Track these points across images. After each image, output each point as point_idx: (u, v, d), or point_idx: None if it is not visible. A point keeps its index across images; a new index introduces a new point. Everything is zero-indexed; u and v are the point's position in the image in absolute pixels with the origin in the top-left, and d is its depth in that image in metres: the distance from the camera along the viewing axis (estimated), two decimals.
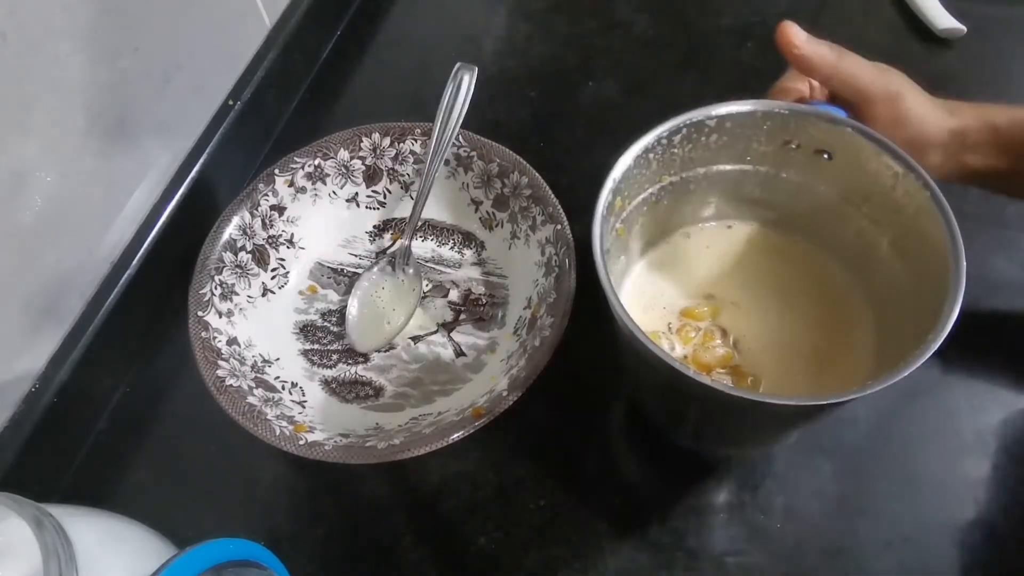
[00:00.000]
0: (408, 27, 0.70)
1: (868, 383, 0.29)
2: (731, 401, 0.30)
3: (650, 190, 0.40)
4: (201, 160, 0.54)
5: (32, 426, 0.44)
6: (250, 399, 0.44)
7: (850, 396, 0.29)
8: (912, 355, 0.30)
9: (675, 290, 0.42)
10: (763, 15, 0.66)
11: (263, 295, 0.51)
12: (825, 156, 0.38)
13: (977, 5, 0.64)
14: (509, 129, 0.61)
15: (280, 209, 0.52)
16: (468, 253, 0.53)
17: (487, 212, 0.53)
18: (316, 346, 0.50)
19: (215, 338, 0.46)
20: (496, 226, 0.53)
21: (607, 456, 0.46)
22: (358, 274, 0.53)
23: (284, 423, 0.43)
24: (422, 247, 0.54)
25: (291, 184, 0.52)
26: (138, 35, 0.48)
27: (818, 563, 0.41)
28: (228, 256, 0.50)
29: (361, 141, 0.53)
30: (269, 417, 0.43)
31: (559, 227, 0.48)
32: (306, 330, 0.51)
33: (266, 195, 0.52)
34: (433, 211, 0.54)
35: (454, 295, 0.52)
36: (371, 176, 0.54)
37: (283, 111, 0.64)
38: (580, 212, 0.44)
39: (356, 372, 0.49)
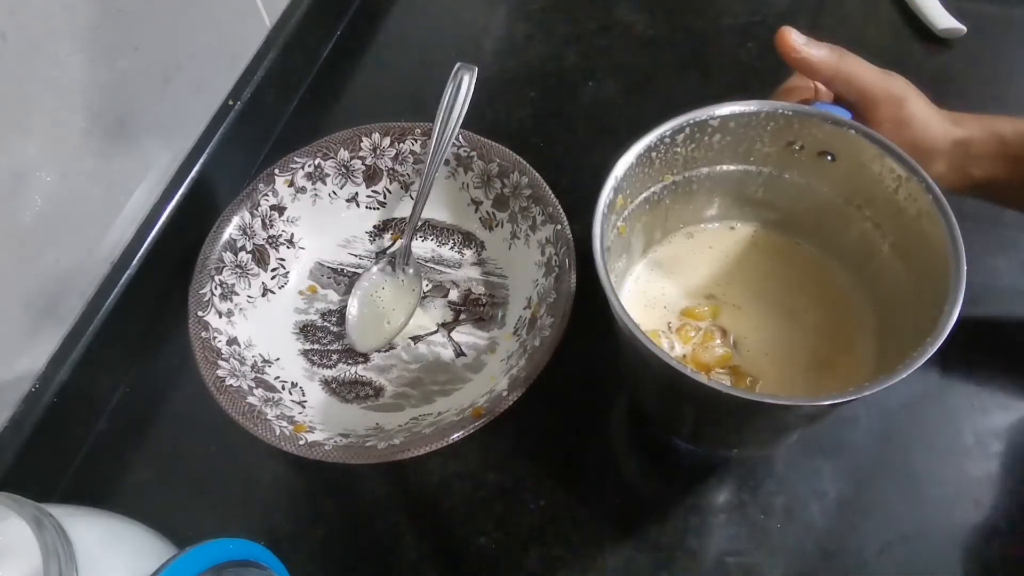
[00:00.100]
0: (408, 27, 0.70)
1: (867, 384, 0.29)
2: (729, 401, 0.30)
3: (652, 189, 0.40)
4: (201, 160, 0.54)
5: (32, 426, 0.44)
6: (250, 399, 0.44)
7: (849, 397, 0.29)
8: (912, 357, 0.30)
9: (676, 290, 0.42)
10: (763, 15, 0.66)
11: (263, 295, 0.51)
12: (828, 158, 0.38)
13: (977, 5, 0.64)
14: (509, 129, 0.61)
15: (280, 209, 0.52)
16: (468, 253, 0.53)
17: (487, 212, 0.53)
18: (316, 346, 0.50)
19: (215, 338, 0.46)
20: (496, 226, 0.53)
21: (607, 456, 0.46)
22: (358, 274, 0.53)
23: (284, 423, 0.43)
24: (422, 247, 0.54)
25: (291, 184, 0.52)
26: (138, 35, 0.48)
27: (818, 563, 0.41)
28: (228, 256, 0.50)
29: (361, 141, 0.53)
30: (269, 417, 0.43)
31: (559, 227, 0.48)
32: (306, 330, 0.51)
33: (266, 195, 0.52)
34: (433, 211, 0.54)
35: (454, 295, 0.52)
36: (371, 176, 0.54)
37: (283, 111, 0.64)
38: (580, 212, 0.44)
39: (356, 372, 0.49)
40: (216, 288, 0.48)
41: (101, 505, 0.35)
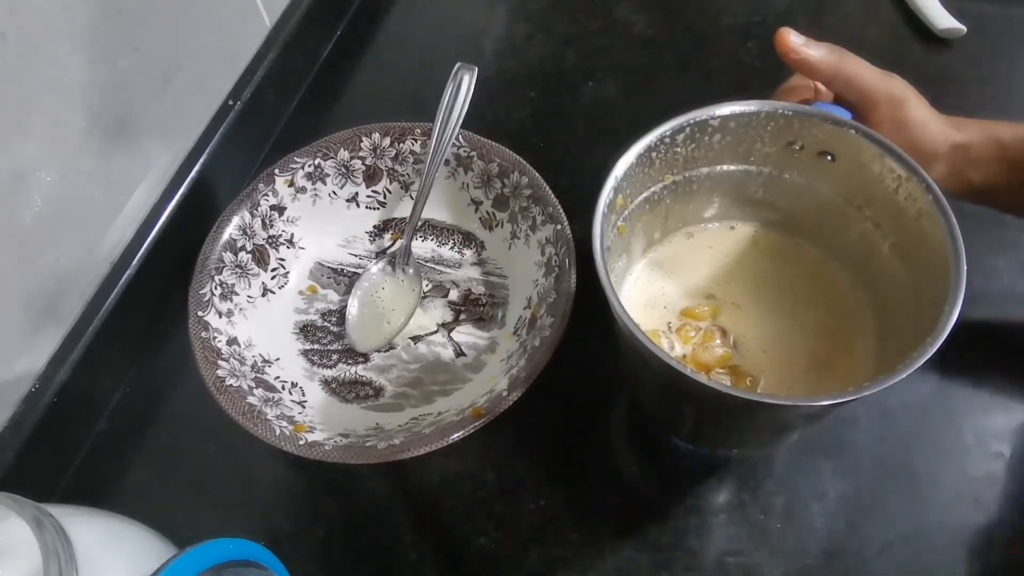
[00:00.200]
0: (408, 27, 0.70)
1: (867, 384, 0.29)
2: (728, 401, 0.30)
3: (652, 189, 0.40)
4: (201, 160, 0.54)
5: (32, 426, 0.44)
6: (250, 399, 0.44)
7: (849, 397, 0.29)
8: (912, 357, 0.30)
9: (676, 290, 0.42)
10: (763, 15, 0.67)
11: (263, 295, 0.51)
12: (829, 158, 0.38)
13: (977, 5, 0.64)
14: (509, 129, 0.61)
15: (280, 209, 0.52)
16: (468, 253, 0.53)
17: (487, 212, 0.53)
18: (316, 346, 0.50)
19: (215, 338, 0.46)
20: (496, 226, 0.53)
21: (607, 456, 0.46)
22: (358, 274, 0.53)
23: (284, 423, 0.43)
24: (422, 247, 0.54)
25: (291, 184, 0.52)
26: (138, 35, 0.48)
27: (818, 563, 0.41)
28: (228, 256, 0.50)
29: (361, 141, 0.53)
30: (269, 417, 0.43)
31: (559, 227, 0.48)
32: (306, 330, 0.51)
33: (266, 195, 0.52)
34: (433, 211, 0.54)
35: (454, 295, 0.52)
36: (371, 176, 0.54)
37: (283, 111, 0.64)
38: (580, 212, 0.44)
39: (356, 372, 0.49)
40: (216, 288, 0.48)
41: (101, 505, 0.35)
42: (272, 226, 0.52)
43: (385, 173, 0.54)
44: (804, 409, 0.33)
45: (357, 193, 0.54)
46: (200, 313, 0.47)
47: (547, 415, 0.46)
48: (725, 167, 0.40)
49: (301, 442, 0.42)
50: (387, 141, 0.53)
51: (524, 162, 0.51)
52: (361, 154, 0.54)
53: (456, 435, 0.41)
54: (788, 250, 0.42)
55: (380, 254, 0.54)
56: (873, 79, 0.40)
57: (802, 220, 0.42)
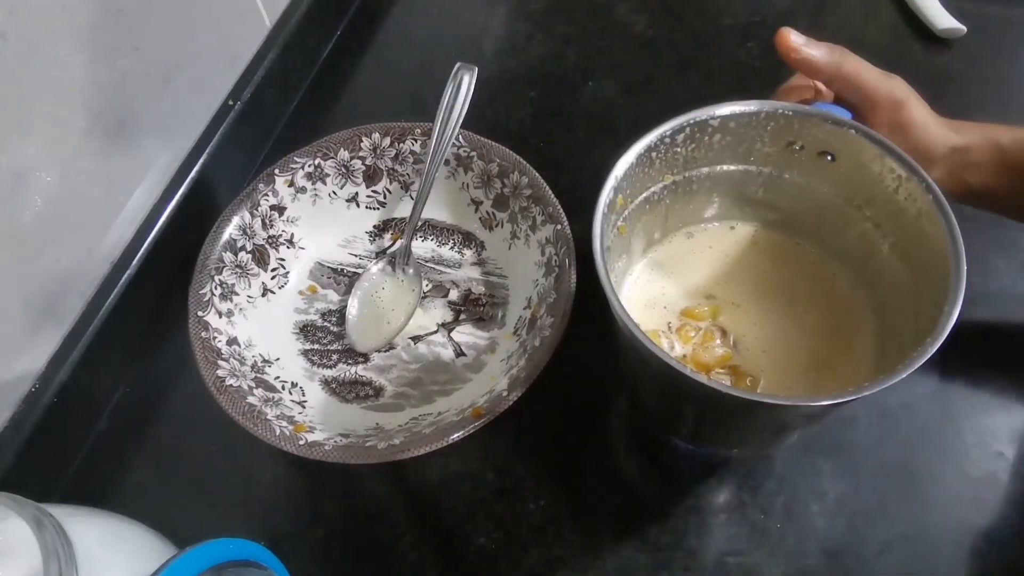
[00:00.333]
0: (408, 27, 0.70)
1: (867, 384, 0.29)
2: (728, 401, 0.30)
3: (652, 189, 0.40)
4: (201, 160, 0.54)
5: (32, 426, 0.44)
6: (250, 399, 0.44)
7: (848, 397, 0.29)
8: (911, 357, 0.30)
9: (676, 290, 0.42)
10: (763, 15, 0.67)
11: (263, 295, 0.51)
12: (829, 158, 0.38)
13: (977, 5, 0.64)
14: (509, 129, 0.61)
15: (280, 209, 0.52)
16: (468, 253, 0.53)
17: (487, 212, 0.53)
18: (316, 346, 0.50)
19: (215, 338, 0.46)
20: (496, 226, 0.53)
21: (607, 456, 0.46)
22: (358, 274, 0.53)
23: (284, 423, 0.43)
24: (422, 247, 0.54)
25: (291, 184, 0.52)
26: (138, 35, 0.48)
27: (818, 563, 0.41)
28: (228, 256, 0.50)
29: (361, 141, 0.53)
30: (269, 417, 0.43)
31: (559, 227, 0.48)
32: (306, 330, 0.51)
33: (266, 195, 0.52)
34: (433, 211, 0.54)
35: (454, 295, 0.52)
36: (371, 176, 0.54)
37: (283, 111, 0.64)
38: (580, 212, 0.44)
39: (356, 372, 0.49)
40: (216, 288, 0.48)
41: (101, 505, 0.35)
42: (272, 226, 0.52)
43: (385, 173, 0.54)
44: (804, 409, 0.33)
45: (357, 193, 0.54)
46: (200, 313, 0.47)
47: (547, 415, 0.46)
48: (725, 167, 0.40)
49: (301, 442, 0.42)
50: (387, 141, 0.53)
51: (524, 162, 0.51)
52: (361, 154, 0.54)
53: (456, 435, 0.41)
54: (788, 250, 0.42)
55: (380, 254, 0.54)
56: (874, 80, 0.40)
57: (802, 220, 0.42)
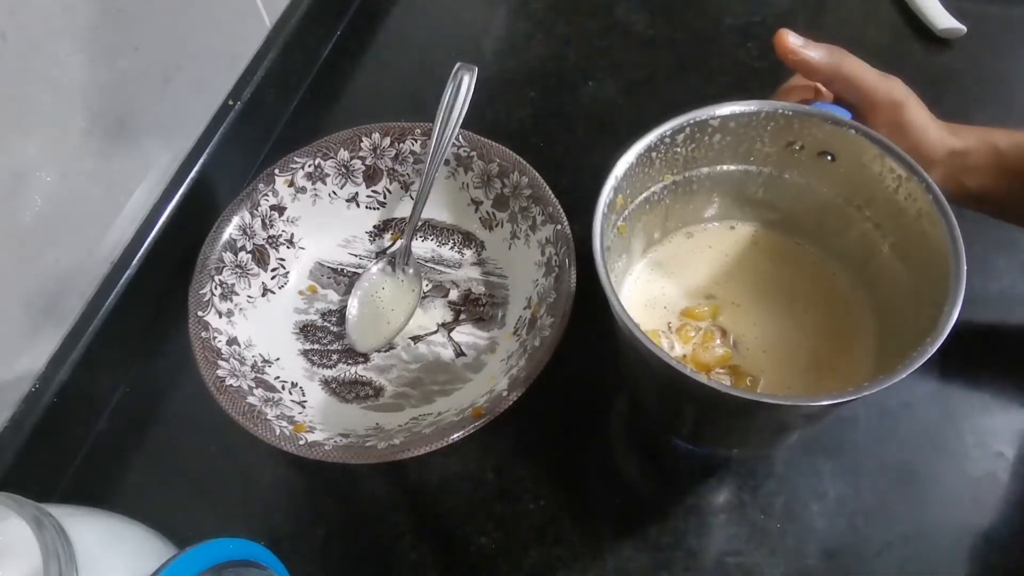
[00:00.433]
0: (408, 27, 0.70)
1: (867, 384, 0.29)
2: (728, 401, 0.30)
3: (653, 189, 0.40)
4: (201, 160, 0.54)
5: (32, 426, 0.44)
6: (250, 399, 0.44)
7: (848, 397, 0.29)
8: (911, 357, 0.30)
9: (676, 290, 0.42)
10: (763, 15, 0.66)
11: (263, 295, 0.51)
12: (829, 158, 0.38)
13: (977, 5, 0.64)
14: (509, 129, 0.61)
15: (280, 209, 0.52)
16: (468, 253, 0.53)
17: (487, 212, 0.53)
18: (316, 346, 0.50)
19: (215, 338, 0.46)
20: (496, 226, 0.53)
21: (607, 456, 0.46)
22: (358, 274, 0.53)
23: (284, 423, 0.43)
24: (422, 247, 0.54)
25: (291, 184, 0.52)
26: (138, 35, 0.48)
27: (818, 563, 0.41)
28: (228, 256, 0.50)
29: (361, 141, 0.53)
30: (269, 417, 0.43)
31: (559, 227, 0.48)
32: (306, 330, 0.51)
33: (266, 195, 0.52)
34: (433, 211, 0.54)
35: (454, 295, 0.52)
36: (371, 176, 0.54)
37: (283, 111, 0.64)
38: (580, 212, 0.44)
39: (356, 372, 0.49)
40: (216, 288, 0.48)
41: (101, 505, 0.35)
42: (272, 226, 0.52)
43: (385, 173, 0.54)
44: (804, 409, 0.33)
45: (357, 193, 0.54)
46: (200, 313, 0.47)
47: (547, 415, 0.46)
48: (725, 167, 0.40)
49: (301, 442, 0.42)
50: (387, 141, 0.53)
51: (524, 162, 0.51)
52: (361, 154, 0.54)
53: (456, 435, 0.41)
54: (788, 250, 0.42)
55: (380, 254, 0.54)
56: (872, 81, 0.40)
57: (802, 220, 0.42)
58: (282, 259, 0.52)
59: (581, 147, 0.59)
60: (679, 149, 0.38)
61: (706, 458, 0.45)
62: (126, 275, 0.49)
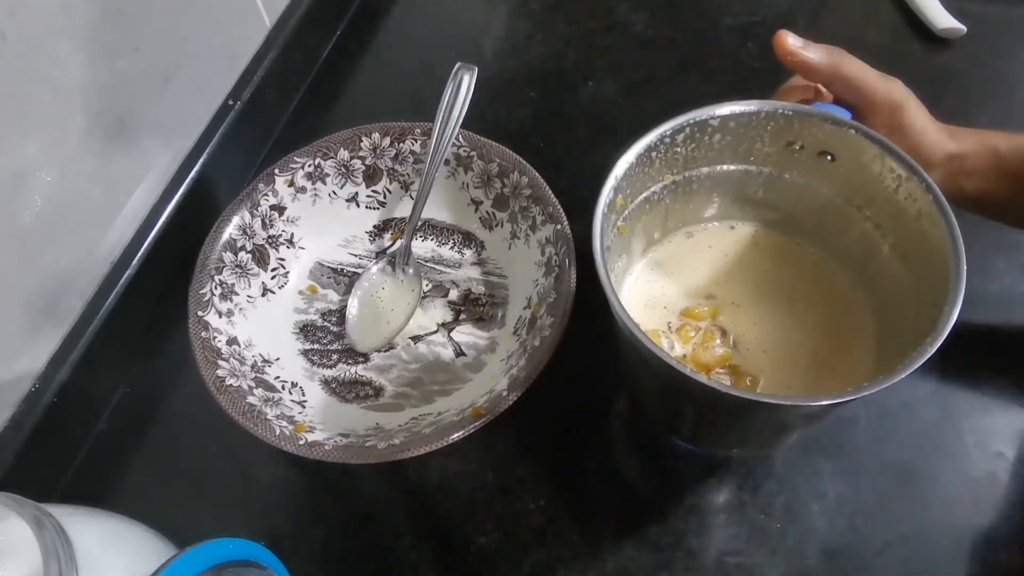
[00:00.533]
0: (408, 27, 0.70)
1: (866, 384, 0.29)
2: (728, 400, 0.30)
3: (653, 188, 0.40)
4: (201, 160, 0.54)
5: (32, 426, 0.44)
6: (250, 399, 0.44)
7: (847, 397, 0.29)
8: (911, 357, 0.30)
9: (676, 290, 0.42)
10: (763, 15, 0.66)
11: (263, 295, 0.51)
12: (829, 158, 0.38)
13: (977, 5, 0.64)
14: (509, 129, 0.61)
15: (280, 209, 0.52)
16: (468, 253, 0.53)
17: (487, 212, 0.53)
18: (316, 346, 0.50)
19: (215, 338, 0.46)
20: (496, 226, 0.53)
21: (607, 456, 0.46)
22: (358, 274, 0.53)
23: (284, 423, 0.43)
24: (422, 247, 0.54)
25: (291, 184, 0.52)
26: (138, 35, 0.48)
27: (818, 563, 0.41)
28: (228, 256, 0.50)
29: (361, 141, 0.53)
30: (269, 417, 0.43)
31: (559, 227, 0.48)
32: (306, 330, 0.51)
33: (266, 195, 0.52)
34: (433, 211, 0.54)
35: (454, 295, 0.52)
36: (371, 176, 0.54)
37: (283, 111, 0.64)
38: (580, 212, 0.44)
39: (356, 372, 0.49)
40: (216, 288, 0.48)
41: (101, 505, 0.35)
42: (272, 226, 0.52)
43: (385, 173, 0.54)
44: (803, 409, 0.33)
45: (357, 193, 0.54)
46: (200, 313, 0.47)
47: (547, 415, 0.46)
48: (725, 167, 0.40)
49: (301, 442, 0.42)
50: (387, 141, 0.53)
51: (524, 162, 0.51)
52: (361, 154, 0.54)
53: (456, 435, 0.41)
54: (788, 250, 0.42)
55: (380, 254, 0.54)
56: (873, 82, 0.40)
57: (802, 220, 0.42)
58: (282, 259, 0.52)
59: (581, 147, 0.59)
60: (679, 149, 0.38)
61: (706, 458, 0.45)
62: (126, 275, 0.49)
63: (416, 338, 0.50)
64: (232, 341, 0.47)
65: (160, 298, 0.52)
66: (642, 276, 0.42)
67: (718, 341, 0.40)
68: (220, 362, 0.45)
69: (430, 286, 0.52)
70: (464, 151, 0.52)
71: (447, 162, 0.53)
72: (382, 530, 0.44)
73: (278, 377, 0.47)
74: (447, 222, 0.54)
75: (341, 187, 0.54)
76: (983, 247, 0.49)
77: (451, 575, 0.43)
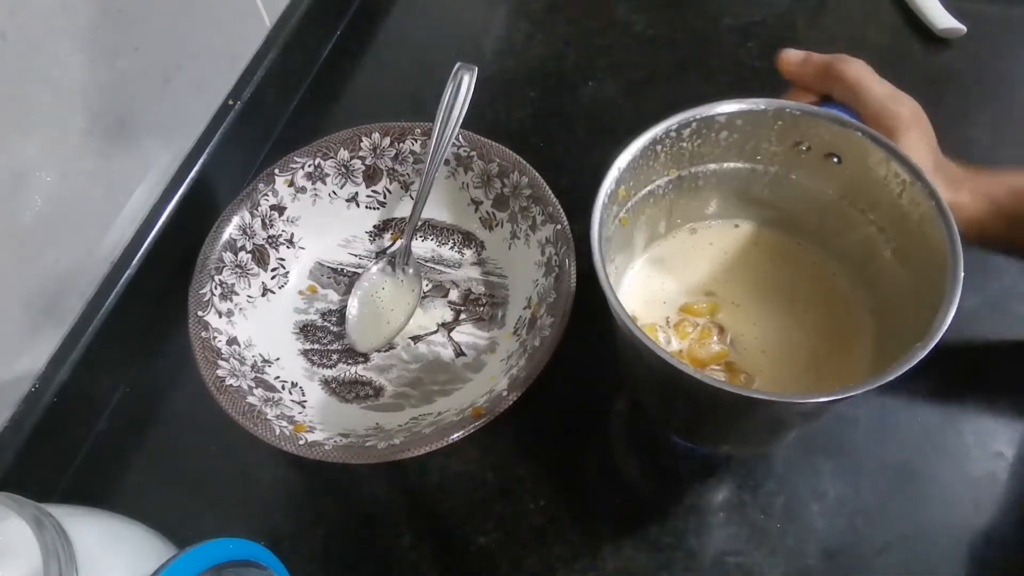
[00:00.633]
0: (408, 27, 0.70)
1: (851, 385, 0.29)
2: (716, 395, 0.30)
3: (657, 182, 0.40)
4: (201, 160, 0.54)
5: (32, 426, 0.44)
6: (250, 399, 0.44)
7: (835, 396, 0.29)
8: (903, 359, 0.29)
9: (677, 285, 0.42)
10: (763, 15, 0.67)
11: (263, 295, 0.51)
12: (835, 160, 0.38)
13: (977, 5, 0.64)
14: (509, 129, 0.61)
15: (280, 209, 0.52)
16: (468, 253, 0.53)
17: (487, 212, 0.53)
18: (316, 346, 0.50)
19: (215, 338, 0.46)
20: (496, 226, 0.53)
21: (607, 456, 0.46)
22: (358, 274, 0.53)
23: (284, 423, 0.43)
24: (422, 247, 0.54)
25: (291, 184, 0.52)
26: (138, 35, 0.48)
27: (818, 563, 0.41)
28: (228, 256, 0.50)
29: (361, 141, 0.53)
30: (269, 417, 0.43)
31: (559, 227, 0.48)
32: (306, 330, 0.51)
33: (266, 195, 0.52)
34: (433, 211, 0.54)
35: (454, 295, 0.52)
36: (371, 176, 0.54)
37: (283, 111, 0.64)
38: (580, 212, 0.44)
39: (356, 372, 0.49)
40: (216, 288, 0.48)
41: (101, 505, 0.35)
42: (272, 226, 0.52)
43: (385, 173, 0.54)
44: (795, 407, 0.33)
45: (357, 193, 0.54)
46: (200, 313, 0.47)
47: (547, 415, 0.46)
48: (732, 164, 0.40)
49: (301, 442, 0.42)
50: (387, 141, 0.53)
51: (524, 162, 0.51)
52: (361, 154, 0.54)
53: (456, 435, 0.41)
54: (789, 250, 0.42)
55: (380, 254, 0.54)
56: (878, 97, 0.39)
57: (805, 221, 0.42)
58: (282, 259, 0.52)
59: (581, 147, 0.59)
60: (685, 144, 0.38)
61: (706, 458, 0.45)
62: (126, 275, 0.49)
63: (416, 338, 0.50)
64: (232, 341, 0.47)
65: (160, 298, 0.52)
66: (643, 271, 0.42)
67: (715, 338, 0.40)
68: (220, 362, 0.45)
69: (430, 286, 0.52)
70: (464, 151, 0.52)
71: (447, 162, 0.53)
72: (382, 530, 0.44)
73: (278, 377, 0.47)
74: (447, 222, 0.54)
75: (341, 187, 0.54)
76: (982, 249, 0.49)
77: (451, 575, 0.43)
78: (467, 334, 0.50)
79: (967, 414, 0.45)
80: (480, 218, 0.54)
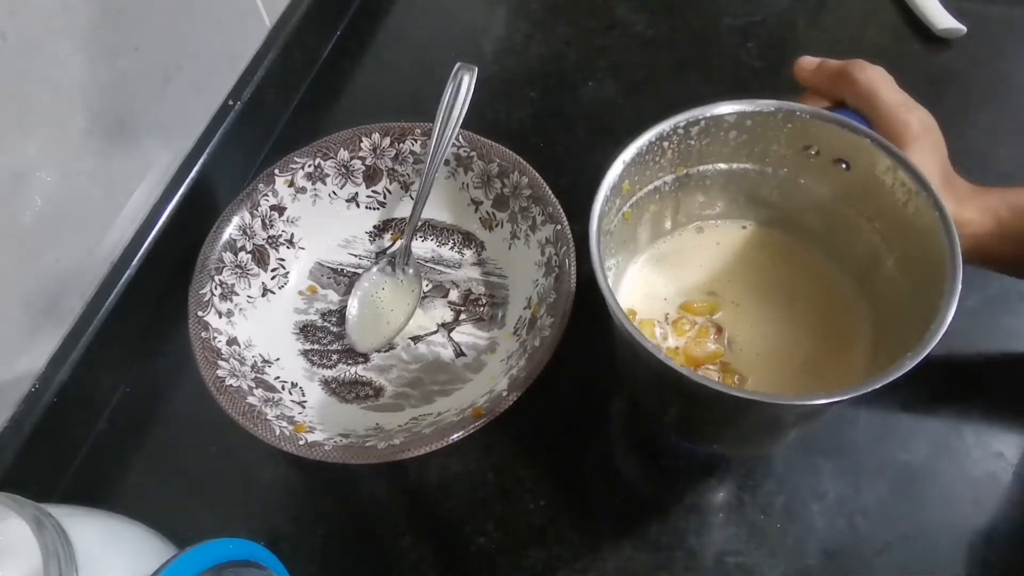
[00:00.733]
0: (408, 27, 0.70)
1: (837, 391, 0.29)
2: (707, 394, 0.30)
3: (664, 179, 0.40)
4: (201, 160, 0.54)
5: (32, 426, 0.44)
6: (250, 399, 0.44)
7: (825, 400, 0.29)
8: (892, 367, 0.29)
9: (678, 283, 0.42)
10: (763, 15, 0.66)
11: (263, 295, 0.51)
12: (844, 166, 0.38)
13: (977, 5, 0.64)
14: (509, 129, 0.61)
15: (280, 209, 0.52)
16: (468, 253, 0.53)
17: (487, 212, 0.53)
18: (316, 346, 0.50)
19: (215, 338, 0.46)
20: (496, 226, 0.53)
21: (607, 456, 0.46)
22: (358, 274, 0.53)
23: (284, 423, 0.43)
24: (422, 247, 0.54)
25: (291, 184, 0.52)
26: (138, 35, 0.48)
27: (818, 563, 0.41)
28: (228, 256, 0.50)
29: (361, 141, 0.53)
30: (269, 417, 0.43)
31: (559, 227, 0.48)
32: (306, 330, 0.51)
33: (266, 195, 0.52)
34: (433, 211, 0.54)
35: (454, 295, 0.52)
36: (371, 176, 0.54)
37: (283, 111, 0.64)
38: (580, 212, 0.44)
39: (356, 372, 0.49)
40: (216, 288, 0.48)
41: (101, 505, 0.35)
42: (272, 226, 0.52)
43: (385, 173, 0.54)
44: (787, 408, 0.33)
45: (357, 193, 0.54)
46: (200, 313, 0.47)
47: (547, 415, 0.46)
48: (741, 165, 0.40)
49: (301, 442, 0.42)
50: (387, 141, 0.53)
51: (524, 162, 0.51)
52: (361, 154, 0.54)
53: (456, 435, 0.41)
54: (792, 254, 0.42)
55: (380, 254, 0.54)
56: (889, 104, 0.39)
57: (811, 225, 0.41)
58: (282, 259, 0.52)
59: (581, 147, 0.59)
60: (693, 142, 0.38)
61: (706, 458, 0.45)
62: (126, 275, 0.49)
63: (416, 338, 0.50)
64: (232, 341, 0.47)
65: (160, 298, 0.52)
66: (646, 267, 0.42)
67: (712, 337, 0.40)
68: (220, 362, 0.45)
69: (430, 286, 0.52)
70: (464, 151, 0.52)
71: (447, 162, 0.53)
72: (382, 530, 0.44)
73: (278, 377, 0.47)
74: (447, 222, 0.54)
75: (341, 187, 0.54)
76: None
77: (451, 575, 0.43)
78: (467, 334, 0.50)
79: (967, 414, 0.45)
80: (480, 218, 0.54)
